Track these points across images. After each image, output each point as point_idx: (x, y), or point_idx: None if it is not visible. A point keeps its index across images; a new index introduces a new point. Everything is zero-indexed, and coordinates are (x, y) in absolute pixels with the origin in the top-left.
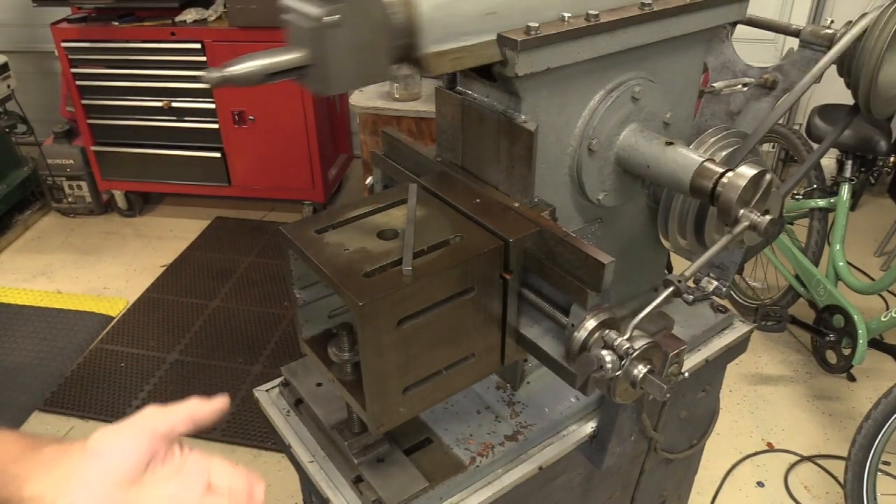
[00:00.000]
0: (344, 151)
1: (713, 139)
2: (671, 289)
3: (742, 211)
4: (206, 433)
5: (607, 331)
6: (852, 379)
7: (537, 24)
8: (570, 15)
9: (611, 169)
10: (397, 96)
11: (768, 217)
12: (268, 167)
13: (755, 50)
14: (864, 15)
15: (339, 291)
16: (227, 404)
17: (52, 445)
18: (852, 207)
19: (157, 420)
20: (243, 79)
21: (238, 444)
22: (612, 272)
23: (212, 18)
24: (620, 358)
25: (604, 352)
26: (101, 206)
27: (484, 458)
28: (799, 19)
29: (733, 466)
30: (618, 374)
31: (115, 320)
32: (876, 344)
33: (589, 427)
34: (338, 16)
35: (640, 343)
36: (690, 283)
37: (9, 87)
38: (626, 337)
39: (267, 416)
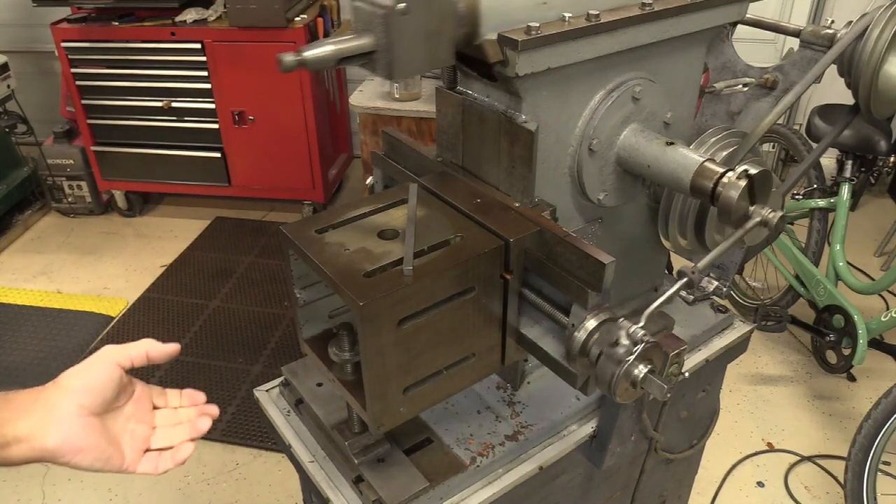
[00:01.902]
0: (344, 151)
1: (713, 139)
2: (685, 279)
3: (753, 207)
4: (207, 434)
5: (621, 318)
6: (852, 379)
7: (538, 24)
8: (570, 15)
9: (611, 169)
10: (397, 96)
11: (779, 213)
12: (268, 167)
13: (755, 50)
14: (864, 15)
15: (340, 291)
16: (178, 349)
17: (24, 392)
18: (852, 207)
19: (118, 354)
20: (317, 62)
21: (238, 444)
22: (613, 272)
23: (212, 18)
24: (634, 343)
25: (620, 332)
26: (101, 206)
27: (484, 458)
28: (799, 19)
29: (733, 466)
30: (629, 358)
31: (115, 320)
32: (876, 344)
33: (589, 427)
34: (405, 3)
35: (648, 335)
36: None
37: (9, 87)
38: (641, 324)
39: (267, 416)
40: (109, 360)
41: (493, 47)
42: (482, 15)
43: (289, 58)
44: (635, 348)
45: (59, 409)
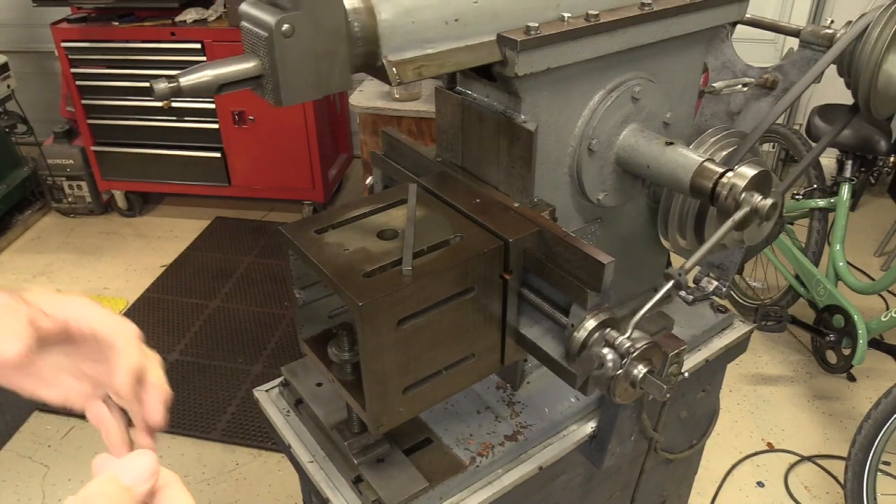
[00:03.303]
0: (344, 151)
1: (713, 139)
2: (671, 282)
3: (744, 195)
4: (207, 433)
5: (608, 329)
6: (852, 379)
7: (537, 24)
8: (569, 15)
9: (611, 169)
10: (397, 96)
11: (769, 200)
12: (268, 167)
13: (755, 50)
14: (863, 15)
15: (339, 291)
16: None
17: None
18: (852, 207)
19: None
20: (195, 90)
21: (238, 444)
22: (612, 272)
23: (212, 18)
24: (621, 357)
25: (605, 350)
26: (101, 206)
27: (484, 458)
28: (799, 19)
29: (733, 466)
30: (618, 372)
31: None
32: (876, 344)
33: (589, 427)
34: (290, 24)
35: (640, 342)
36: (690, 283)
37: (9, 87)
38: (627, 335)
39: (267, 416)
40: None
41: (397, 68)
42: (381, 35)
43: (161, 85)
44: (623, 362)
45: None
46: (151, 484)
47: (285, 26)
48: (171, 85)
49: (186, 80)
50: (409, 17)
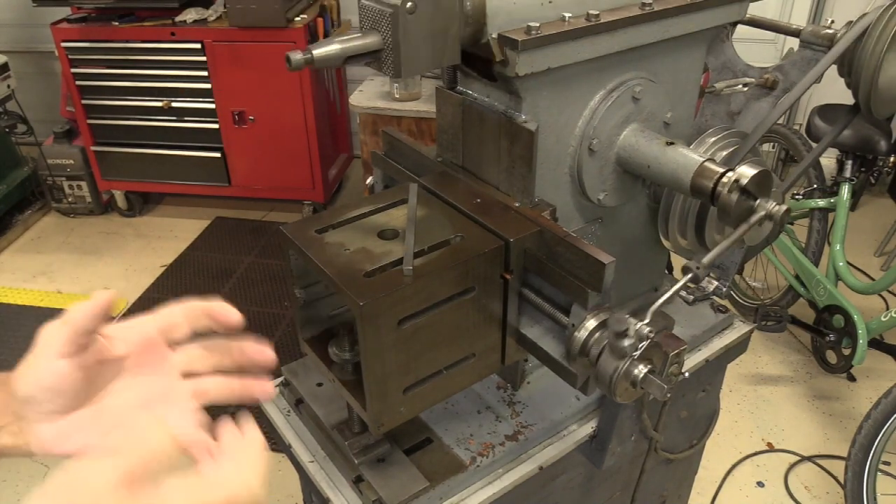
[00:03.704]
0: (344, 151)
1: (713, 139)
2: (690, 275)
3: (759, 200)
4: None
5: (626, 314)
6: (852, 379)
7: (538, 24)
8: (570, 15)
9: (611, 169)
10: (397, 96)
11: (784, 206)
12: (268, 167)
13: (755, 50)
14: (864, 15)
15: (340, 291)
16: (112, 296)
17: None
18: (852, 207)
19: (55, 341)
20: (324, 60)
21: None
22: (613, 272)
23: (212, 18)
24: (640, 340)
25: (629, 325)
26: (101, 206)
27: (484, 457)
28: (799, 19)
29: (733, 466)
30: (635, 354)
31: (115, 320)
32: (876, 344)
33: (589, 427)
34: (411, 3)
35: (658, 325)
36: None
37: (9, 87)
38: (646, 321)
39: (267, 416)
40: (51, 356)
41: (497, 46)
42: (489, 14)
43: (297, 56)
44: (640, 344)
45: (26, 418)
46: (195, 434)
47: (409, 3)
48: (306, 56)
49: (319, 52)
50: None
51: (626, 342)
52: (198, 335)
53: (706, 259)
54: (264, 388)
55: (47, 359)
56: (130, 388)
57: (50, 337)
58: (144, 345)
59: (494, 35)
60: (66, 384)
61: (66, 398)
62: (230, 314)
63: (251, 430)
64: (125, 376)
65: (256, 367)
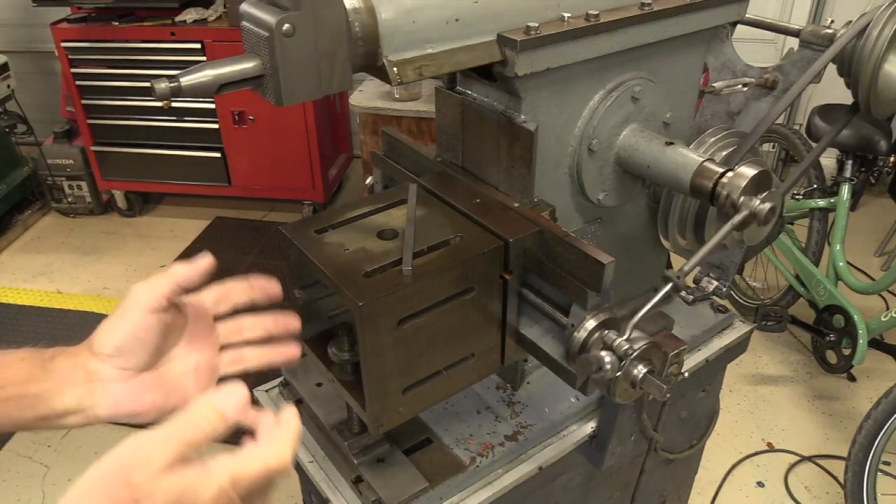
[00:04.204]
0: (344, 151)
1: (713, 139)
2: (669, 285)
3: (742, 199)
4: None
5: (606, 331)
6: (852, 379)
7: (537, 24)
8: (569, 15)
9: (611, 169)
10: (397, 96)
11: (768, 205)
12: (268, 167)
13: (755, 50)
14: (863, 15)
15: (339, 291)
16: (211, 261)
17: (59, 358)
18: (852, 207)
19: (147, 298)
20: (195, 90)
21: (238, 444)
22: (612, 272)
23: (212, 18)
24: (620, 359)
25: (603, 352)
26: (101, 206)
27: (484, 458)
28: (799, 19)
29: (733, 466)
30: (617, 374)
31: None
32: (876, 344)
33: (589, 427)
34: (290, 24)
35: (639, 343)
36: (690, 283)
37: (9, 87)
38: (625, 337)
39: None
40: (140, 310)
41: (398, 68)
42: (382, 35)
43: (161, 85)
44: (622, 363)
45: (101, 378)
46: (242, 414)
47: (286, 26)
48: (172, 85)
49: (187, 80)
50: (410, 17)
51: (608, 367)
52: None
53: (688, 266)
54: (292, 352)
55: (139, 312)
56: (185, 357)
57: (141, 294)
58: (200, 316)
59: (391, 57)
60: (151, 339)
61: (145, 355)
62: (271, 287)
63: (289, 413)
64: (182, 345)
65: (286, 333)
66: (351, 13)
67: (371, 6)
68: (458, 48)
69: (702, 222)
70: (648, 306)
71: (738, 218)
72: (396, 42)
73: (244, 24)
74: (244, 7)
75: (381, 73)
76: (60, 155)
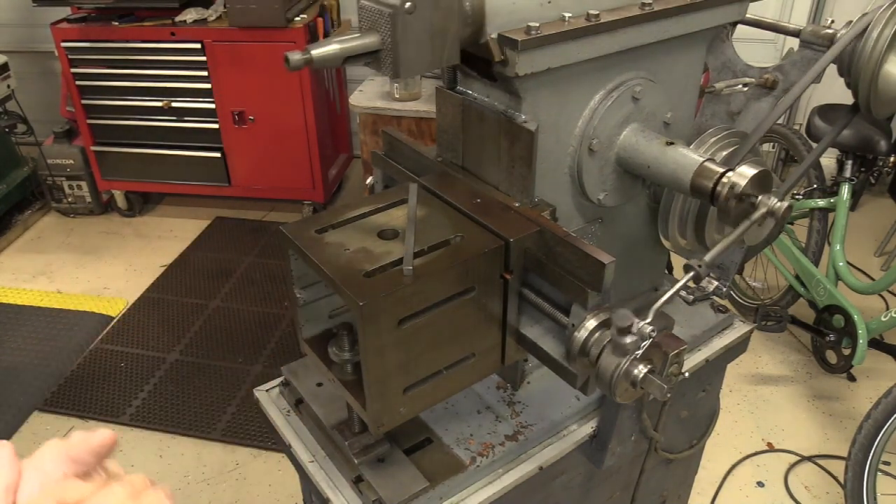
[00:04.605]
0: (344, 151)
1: (713, 139)
2: (692, 273)
3: (760, 197)
4: (207, 433)
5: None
6: (852, 379)
7: (538, 24)
8: (570, 15)
9: (611, 169)
10: (397, 96)
11: (786, 203)
12: (268, 167)
13: (755, 50)
14: (863, 15)
15: (340, 291)
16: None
17: None
18: (852, 207)
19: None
20: (323, 61)
21: (238, 444)
22: (613, 272)
23: (212, 18)
24: (643, 339)
25: (628, 338)
26: (101, 206)
27: (484, 457)
28: (799, 19)
29: (733, 466)
30: (638, 352)
31: (115, 320)
32: (876, 344)
33: (589, 427)
34: (410, 3)
35: (660, 324)
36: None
37: (9, 87)
38: (648, 320)
39: (267, 416)
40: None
41: (497, 46)
42: (487, 14)
43: (296, 56)
44: (643, 343)
45: None
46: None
47: (408, 4)
48: (305, 56)
49: (317, 52)
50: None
51: (629, 339)
52: None
53: (708, 257)
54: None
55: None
56: None
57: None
58: None
59: (494, 35)
60: None
61: None
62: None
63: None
64: None
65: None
66: None
67: None
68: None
69: (702, 222)
70: (671, 292)
71: (756, 215)
72: (499, 21)
73: (363, 2)
74: None
75: (483, 51)
76: (60, 155)
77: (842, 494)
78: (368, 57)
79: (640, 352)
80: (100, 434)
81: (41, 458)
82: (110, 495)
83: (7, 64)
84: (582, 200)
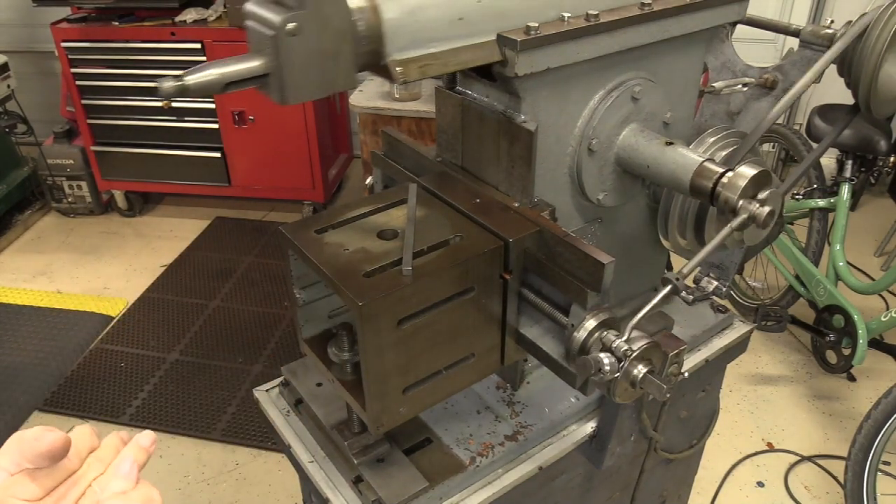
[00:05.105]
0: (344, 151)
1: (713, 139)
2: (669, 287)
3: (741, 202)
4: (207, 433)
5: (605, 332)
6: (852, 379)
7: (537, 24)
8: (570, 15)
9: (611, 169)
10: (397, 96)
11: (767, 208)
12: (268, 167)
13: (755, 50)
14: (864, 15)
15: (339, 291)
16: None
17: None
18: (852, 207)
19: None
20: (200, 88)
21: (238, 444)
22: (612, 272)
23: (212, 18)
24: (619, 360)
25: (602, 354)
26: (101, 206)
27: (484, 458)
28: (799, 19)
29: (733, 466)
30: (616, 375)
31: (115, 320)
32: (876, 344)
33: (589, 427)
34: (296, 23)
35: (638, 344)
36: (690, 283)
37: (9, 87)
38: (624, 338)
39: (267, 416)
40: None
41: (402, 67)
42: (386, 35)
43: (167, 84)
44: (620, 365)
45: None
46: None
47: (291, 25)
48: (178, 84)
49: (192, 79)
50: (414, 17)
51: (607, 368)
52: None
53: (687, 268)
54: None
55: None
56: None
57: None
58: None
59: (395, 56)
60: None
61: None
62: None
63: None
64: None
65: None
66: (355, 12)
67: (375, 5)
68: (462, 47)
69: (702, 222)
70: (647, 308)
71: (737, 221)
72: (400, 41)
73: (248, 23)
74: (249, 6)
75: (384, 73)
76: (60, 155)
77: (842, 494)
78: (254, 82)
79: (619, 374)
80: (50, 437)
81: (2, 453)
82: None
83: (7, 64)
84: (581, 200)
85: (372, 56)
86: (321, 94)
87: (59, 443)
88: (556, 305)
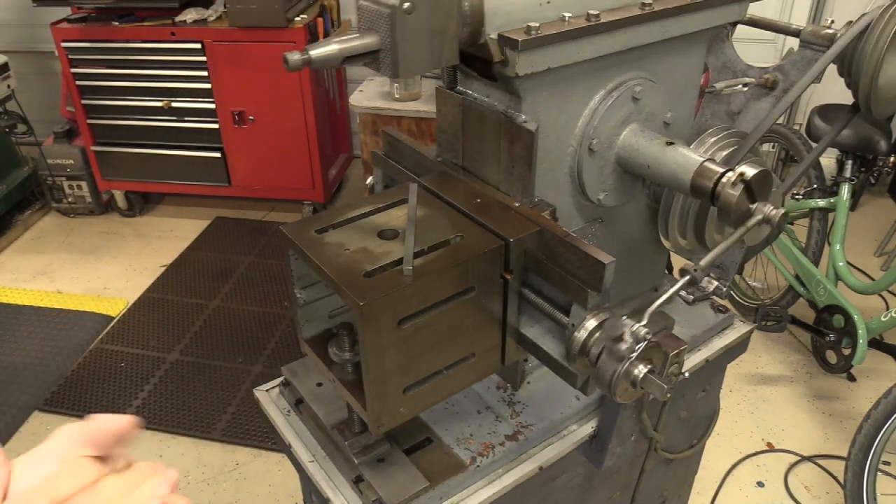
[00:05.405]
0: (344, 151)
1: (713, 139)
2: (687, 277)
3: (756, 204)
4: (207, 433)
5: (623, 316)
6: (852, 379)
7: (538, 24)
8: (570, 15)
9: (611, 169)
10: (397, 96)
11: (781, 210)
12: (268, 167)
13: (755, 50)
14: (863, 15)
15: (340, 291)
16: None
17: None
18: (852, 207)
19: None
20: (322, 61)
21: (238, 444)
22: (613, 272)
23: (212, 18)
24: (637, 342)
25: (625, 329)
26: (101, 206)
27: (484, 457)
28: (799, 19)
29: (733, 466)
30: (633, 355)
31: (115, 320)
32: (876, 344)
33: (589, 427)
34: (410, 2)
35: (655, 327)
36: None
37: (9, 87)
38: (643, 322)
39: (267, 416)
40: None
41: (496, 46)
42: (486, 14)
43: (295, 56)
44: (637, 346)
45: None
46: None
47: (406, 4)
48: (304, 56)
49: (316, 52)
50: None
51: (624, 345)
52: None
53: (704, 261)
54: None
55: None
56: None
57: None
58: None
59: (493, 35)
60: None
61: None
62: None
63: None
64: None
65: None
66: None
67: None
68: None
69: (702, 222)
70: (667, 295)
71: (753, 221)
72: (498, 21)
73: (362, 2)
74: None
75: (482, 51)
76: (60, 155)
77: (842, 494)
78: (367, 57)
79: (634, 355)
80: (120, 419)
81: (58, 441)
82: (102, 490)
83: (7, 64)
84: (582, 200)
85: (472, 35)
86: (429, 69)
87: (128, 425)
88: (556, 305)
